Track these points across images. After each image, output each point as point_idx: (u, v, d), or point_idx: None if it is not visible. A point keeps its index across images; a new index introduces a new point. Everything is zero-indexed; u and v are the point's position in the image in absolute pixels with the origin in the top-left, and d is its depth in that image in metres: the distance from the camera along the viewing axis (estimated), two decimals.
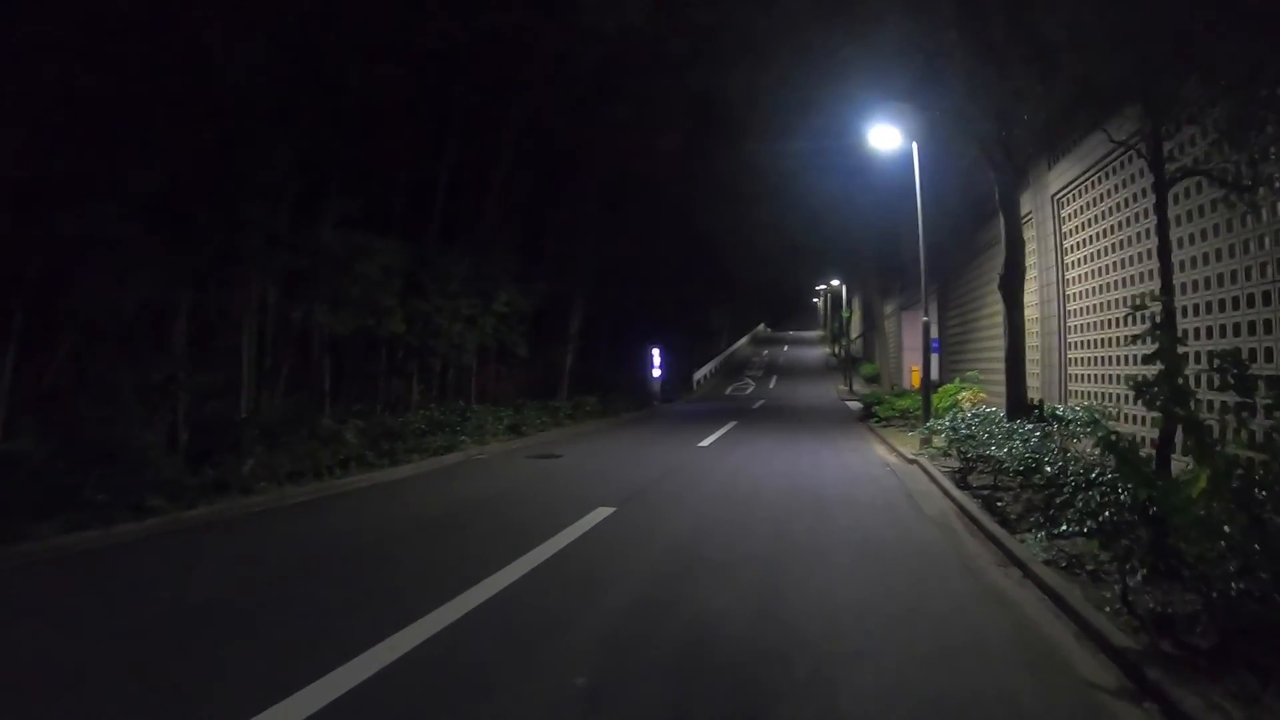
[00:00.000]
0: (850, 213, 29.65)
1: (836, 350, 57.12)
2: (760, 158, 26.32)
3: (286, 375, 13.49)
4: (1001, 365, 11.78)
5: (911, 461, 11.68)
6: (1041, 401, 10.20)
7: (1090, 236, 10.70)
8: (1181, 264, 7.61)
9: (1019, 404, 10.25)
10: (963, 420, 10.00)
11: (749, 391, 37.46)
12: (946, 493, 8.74)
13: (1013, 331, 10.67)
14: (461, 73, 15.89)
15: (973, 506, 7.54)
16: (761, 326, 75.88)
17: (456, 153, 17.06)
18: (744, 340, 64.49)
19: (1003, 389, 11.39)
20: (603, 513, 7.54)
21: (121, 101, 9.67)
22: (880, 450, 14.01)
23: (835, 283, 61.00)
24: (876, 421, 18.92)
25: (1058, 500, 5.72)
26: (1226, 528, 3.62)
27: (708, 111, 23.31)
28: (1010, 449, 7.74)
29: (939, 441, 11.53)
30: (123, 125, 9.82)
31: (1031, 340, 12.17)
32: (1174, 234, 6.97)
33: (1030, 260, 11.90)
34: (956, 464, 10.00)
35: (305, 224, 12.63)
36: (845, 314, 52.33)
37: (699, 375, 41.17)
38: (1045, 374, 12.23)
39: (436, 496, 9.10)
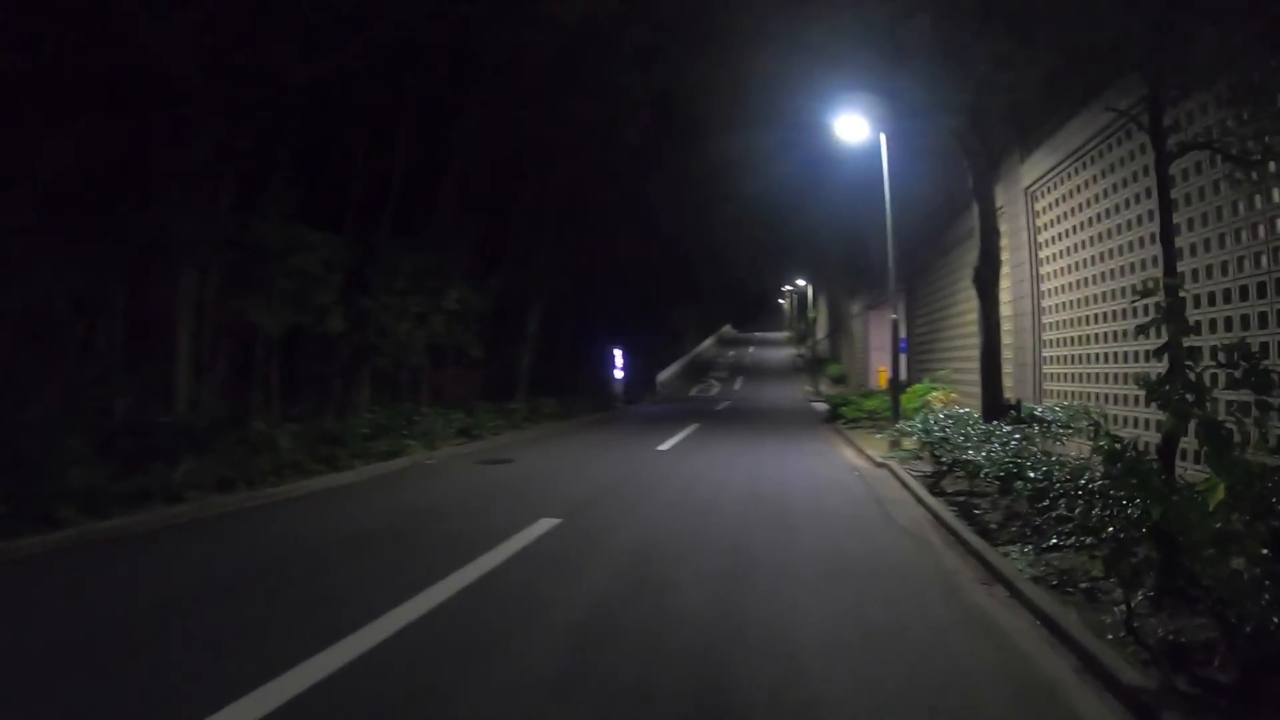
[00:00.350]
0: (817, 212, 29.42)
1: (803, 351, 57.01)
2: (725, 155, 25.95)
3: (229, 376, 12.71)
4: (973, 365, 11.37)
5: (880, 465, 11.18)
6: (1019, 401, 9.74)
7: (1068, 229, 10.29)
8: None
9: (995, 404, 9.79)
10: (935, 421, 9.47)
11: (714, 393, 36.96)
12: (919, 499, 8.21)
13: (988, 328, 10.23)
14: (414, 62, 15.13)
15: (948, 515, 7.03)
16: (727, 327, 75.49)
17: (410, 147, 16.30)
18: (709, 341, 64.09)
19: (974, 389, 10.97)
20: (547, 524, 6.87)
21: (34, 79, 8.88)
22: (848, 453, 13.51)
23: (801, 283, 60.87)
24: (843, 423, 18.52)
25: (1052, 514, 5.16)
26: (1265, 550, 3.08)
27: (671, 108, 22.90)
28: (988, 453, 7.20)
29: (909, 444, 11.04)
30: (35, 105, 9.02)
31: (1005, 339, 11.76)
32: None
33: (1003, 258, 11.48)
34: (929, 468, 9.51)
35: (244, 216, 11.87)
36: (811, 315, 52.22)
37: (663, 377, 40.69)
38: (1018, 373, 11.83)
39: (371, 506, 8.38)
